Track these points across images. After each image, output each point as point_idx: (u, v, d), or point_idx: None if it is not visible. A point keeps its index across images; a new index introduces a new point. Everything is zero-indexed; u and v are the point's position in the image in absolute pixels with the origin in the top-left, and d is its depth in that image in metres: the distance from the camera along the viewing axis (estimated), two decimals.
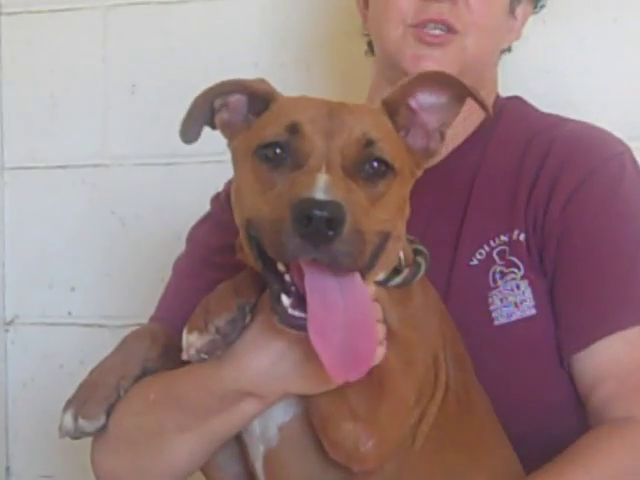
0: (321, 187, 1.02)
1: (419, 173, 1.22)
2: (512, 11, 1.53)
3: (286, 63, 1.99)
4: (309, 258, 1.04)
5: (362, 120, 1.14)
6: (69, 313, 2.15)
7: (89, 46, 2.10)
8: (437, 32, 1.42)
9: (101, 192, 2.10)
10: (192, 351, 1.14)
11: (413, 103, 1.20)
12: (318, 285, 1.05)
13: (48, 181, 2.14)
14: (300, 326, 1.06)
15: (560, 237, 1.40)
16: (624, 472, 1.28)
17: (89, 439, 1.28)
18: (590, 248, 1.40)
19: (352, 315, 1.06)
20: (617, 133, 1.46)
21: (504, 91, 1.57)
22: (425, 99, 1.21)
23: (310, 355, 1.06)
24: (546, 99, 1.60)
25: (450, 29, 1.42)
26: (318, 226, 0.99)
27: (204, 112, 1.21)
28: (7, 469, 2.22)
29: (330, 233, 1.00)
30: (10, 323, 2.21)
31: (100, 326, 2.09)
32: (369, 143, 1.11)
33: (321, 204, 1.00)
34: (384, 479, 1.20)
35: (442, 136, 1.24)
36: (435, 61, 1.39)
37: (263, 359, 1.15)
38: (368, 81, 1.55)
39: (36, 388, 2.13)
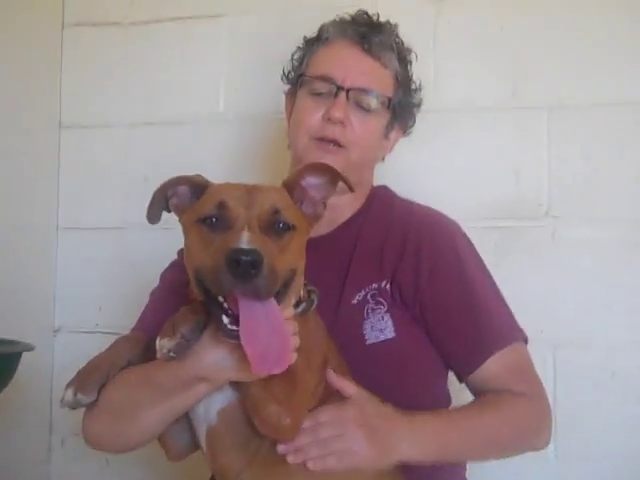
0: (244, 240, 1.16)
1: (311, 229, 1.37)
2: (386, 135, 1.72)
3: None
4: (240, 291, 1.16)
5: (270, 196, 1.28)
6: (96, 325, 2.45)
7: (119, 156, 2.47)
8: (330, 146, 1.61)
9: (122, 249, 2.43)
10: (164, 351, 1.24)
11: (304, 183, 1.36)
12: (248, 307, 1.18)
13: (89, 238, 2.48)
14: (236, 336, 1.18)
15: (433, 296, 1.57)
16: (521, 413, 1.51)
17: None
18: (459, 301, 1.57)
19: (272, 328, 1.18)
20: (454, 213, 1.71)
21: (384, 180, 1.79)
22: (311, 180, 1.37)
23: (246, 354, 1.18)
24: (407, 186, 1.86)
25: (339, 145, 1.61)
26: (244, 267, 1.12)
27: (161, 200, 1.34)
28: None
29: (253, 271, 1.13)
30: (57, 331, 2.50)
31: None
32: (276, 212, 1.26)
33: (245, 252, 1.13)
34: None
35: (324, 205, 1.39)
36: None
37: (214, 355, 1.26)
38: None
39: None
